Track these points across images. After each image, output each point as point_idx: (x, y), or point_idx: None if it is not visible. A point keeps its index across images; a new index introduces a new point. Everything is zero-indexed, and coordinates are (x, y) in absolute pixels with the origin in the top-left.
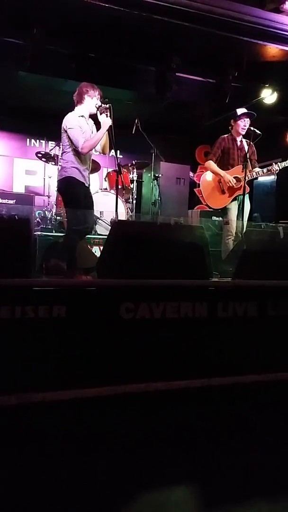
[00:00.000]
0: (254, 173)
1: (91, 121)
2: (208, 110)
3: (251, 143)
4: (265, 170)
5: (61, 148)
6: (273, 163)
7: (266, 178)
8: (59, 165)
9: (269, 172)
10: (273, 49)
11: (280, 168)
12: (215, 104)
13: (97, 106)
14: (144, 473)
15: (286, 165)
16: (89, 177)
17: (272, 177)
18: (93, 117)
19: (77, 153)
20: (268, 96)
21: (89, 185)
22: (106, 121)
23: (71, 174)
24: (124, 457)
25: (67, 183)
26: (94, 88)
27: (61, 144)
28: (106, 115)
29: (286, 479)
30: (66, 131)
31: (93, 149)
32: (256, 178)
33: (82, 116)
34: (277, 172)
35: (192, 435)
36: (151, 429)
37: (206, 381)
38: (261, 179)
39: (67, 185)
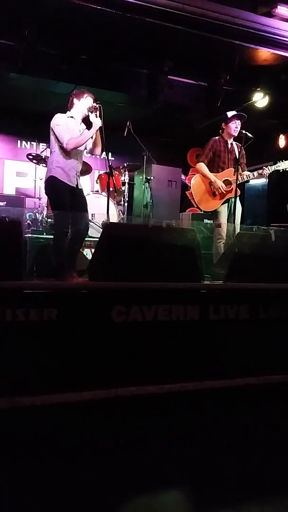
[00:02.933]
0: (244, 176)
1: (83, 126)
2: (200, 113)
3: (242, 146)
4: (255, 173)
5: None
6: (264, 167)
7: (257, 181)
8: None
9: (260, 176)
10: (264, 53)
11: (270, 171)
12: (207, 107)
13: (88, 107)
14: (136, 477)
15: (276, 169)
16: (77, 178)
17: (264, 180)
18: (86, 121)
19: (63, 152)
20: (260, 99)
21: (76, 185)
22: (95, 121)
23: (54, 174)
24: (116, 461)
25: (50, 183)
26: (84, 93)
27: (49, 144)
28: (96, 115)
29: (279, 482)
30: (53, 130)
31: (84, 150)
32: (247, 181)
33: (72, 117)
34: (268, 175)
35: (184, 439)
36: (142, 432)
37: (198, 384)
38: (252, 182)
39: (50, 185)
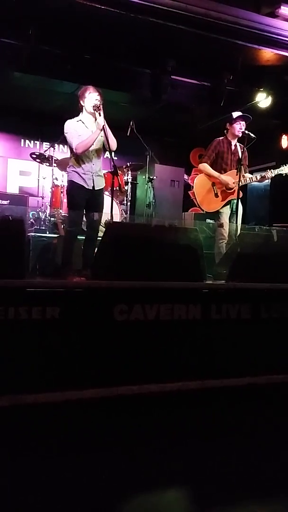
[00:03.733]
0: (247, 179)
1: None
2: (202, 113)
3: (245, 148)
4: (258, 176)
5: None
6: (267, 170)
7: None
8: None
9: (262, 179)
10: (267, 53)
11: (273, 175)
12: (210, 107)
13: (92, 106)
14: (136, 475)
15: (279, 172)
16: (94, 179)
17: (266, 181)
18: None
19: (77, 156)
20: (263, 100)
21: (93, 187)
22: (98, 120)
23: (71, 178)
24: (116, 459)
25: (68, 185)
26: (86, 89)
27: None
28: (99, 113)
29: (279, 482)
30: (65, 137)
31: (103, 149)
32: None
33: (81, 121)
34: (271, 178)
35: (185, 437)
36: (144, 431)
37: (200, 383)
38: (255, 182)
39: (68, 188)
